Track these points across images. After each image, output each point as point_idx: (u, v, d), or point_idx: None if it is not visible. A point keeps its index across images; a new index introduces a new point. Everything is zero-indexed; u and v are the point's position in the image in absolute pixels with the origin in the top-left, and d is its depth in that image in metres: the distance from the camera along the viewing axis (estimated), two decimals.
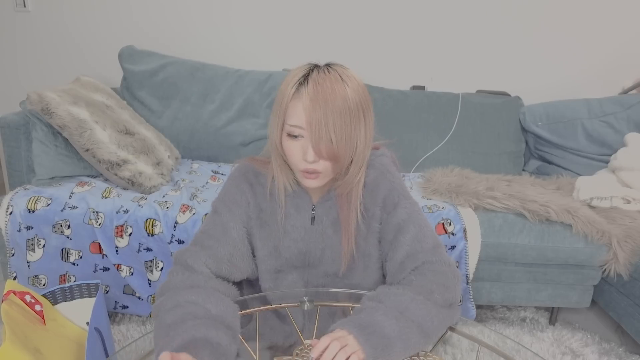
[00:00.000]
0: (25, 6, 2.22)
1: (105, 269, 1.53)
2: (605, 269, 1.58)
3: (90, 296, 1.29)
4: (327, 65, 0.84)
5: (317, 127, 0.79)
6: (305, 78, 0.81)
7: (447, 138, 2.10)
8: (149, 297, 1.55)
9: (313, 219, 0.95)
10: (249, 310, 0.94)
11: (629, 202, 1.69)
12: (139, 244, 1.48)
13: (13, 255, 1.49)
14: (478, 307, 1.81)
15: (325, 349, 0.72)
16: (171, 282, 0.84)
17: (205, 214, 1.49)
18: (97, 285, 1.28)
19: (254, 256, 0.97)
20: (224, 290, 0.87)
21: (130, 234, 1.47)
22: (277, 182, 0.92)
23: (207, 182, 1.79)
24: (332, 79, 0.80)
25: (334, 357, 0.71)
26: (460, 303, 1.59)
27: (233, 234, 0.92)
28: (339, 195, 0.92)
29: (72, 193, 1.51)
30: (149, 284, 1.54)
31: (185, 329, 0.73)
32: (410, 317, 0.78)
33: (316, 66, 0.84)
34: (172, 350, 0.70)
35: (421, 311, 0.79)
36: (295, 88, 0.81)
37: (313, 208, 0.95)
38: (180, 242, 1.47)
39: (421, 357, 0.79)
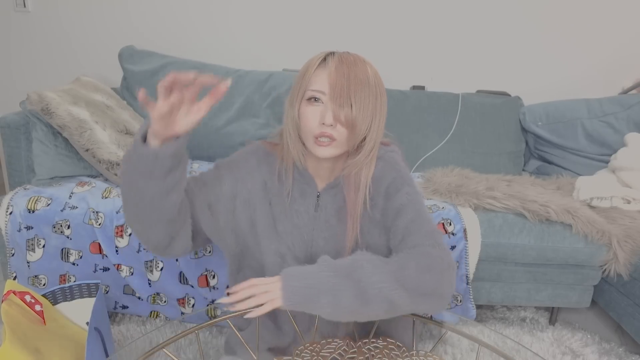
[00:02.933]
0: (25, 6, 2.22)
1: (105, 269, 1.53)
2: (605, 269, 1.58)
3: (90, 296, 1.29)
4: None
5: (339, 91, 0.83)
6: (332, 53, 0.88)
7: (447, 138, 2.10)
8: (149, 297, 1.55)
9: (317, 205, 0.95)
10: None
11: (629, 202, 1.69)
12: (139, 244, 1.48)
13: (13, 255, 1.49)
14: (478, 307, 1.81)
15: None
16: None
17: None
18: (97, 285, 1.29)
19: (256, 232, 0.95)
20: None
21: (130, 234, 1.47)
22: (285, 159, 0.93)
23: None
24: (357, 57, 0.88)
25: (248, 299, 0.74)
26: (460, 303, 1.59)
27: (224, 188, 0.94)
28: (347, 176, 0.91)
29: (72, 193, 1.51)
30: (149, 284, 1.54)
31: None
32: (355, 276, 0.77)
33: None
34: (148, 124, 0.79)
35: (372, 277, 0.76)
36: (322, 59, 0.87)
37: (318, 195, 0.95)
38: None
39: (421, 357, 0.79)
